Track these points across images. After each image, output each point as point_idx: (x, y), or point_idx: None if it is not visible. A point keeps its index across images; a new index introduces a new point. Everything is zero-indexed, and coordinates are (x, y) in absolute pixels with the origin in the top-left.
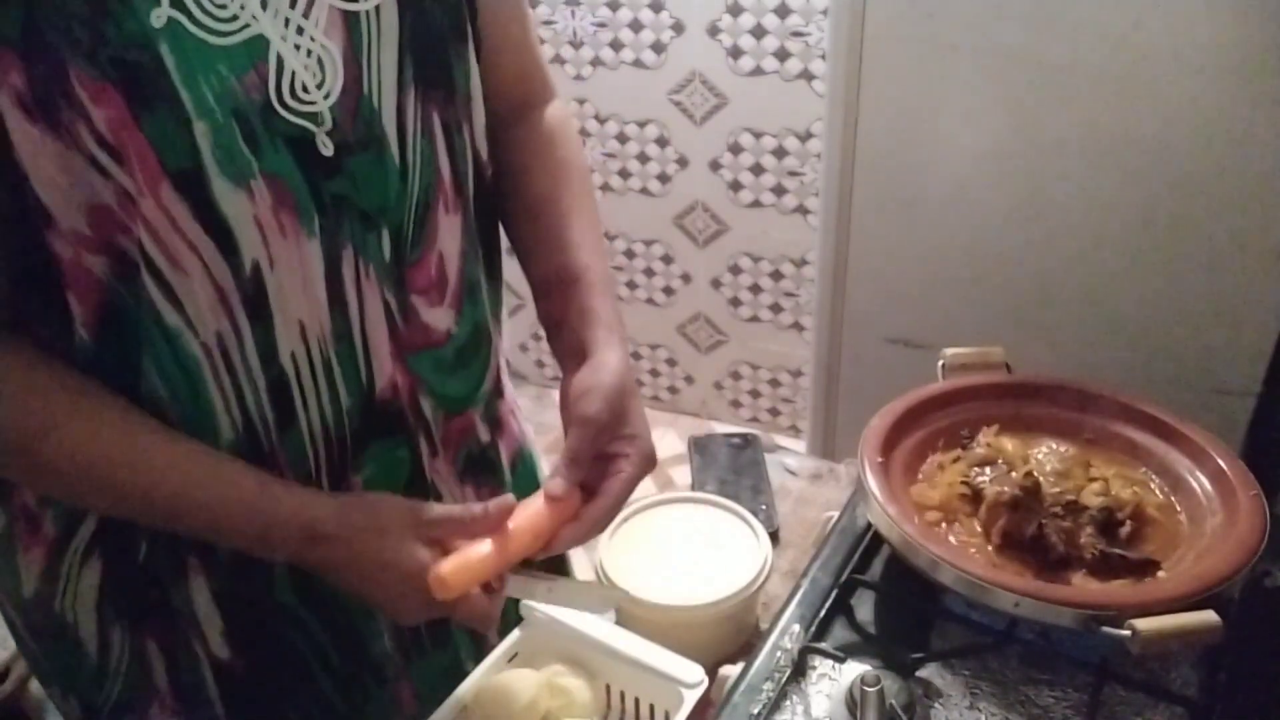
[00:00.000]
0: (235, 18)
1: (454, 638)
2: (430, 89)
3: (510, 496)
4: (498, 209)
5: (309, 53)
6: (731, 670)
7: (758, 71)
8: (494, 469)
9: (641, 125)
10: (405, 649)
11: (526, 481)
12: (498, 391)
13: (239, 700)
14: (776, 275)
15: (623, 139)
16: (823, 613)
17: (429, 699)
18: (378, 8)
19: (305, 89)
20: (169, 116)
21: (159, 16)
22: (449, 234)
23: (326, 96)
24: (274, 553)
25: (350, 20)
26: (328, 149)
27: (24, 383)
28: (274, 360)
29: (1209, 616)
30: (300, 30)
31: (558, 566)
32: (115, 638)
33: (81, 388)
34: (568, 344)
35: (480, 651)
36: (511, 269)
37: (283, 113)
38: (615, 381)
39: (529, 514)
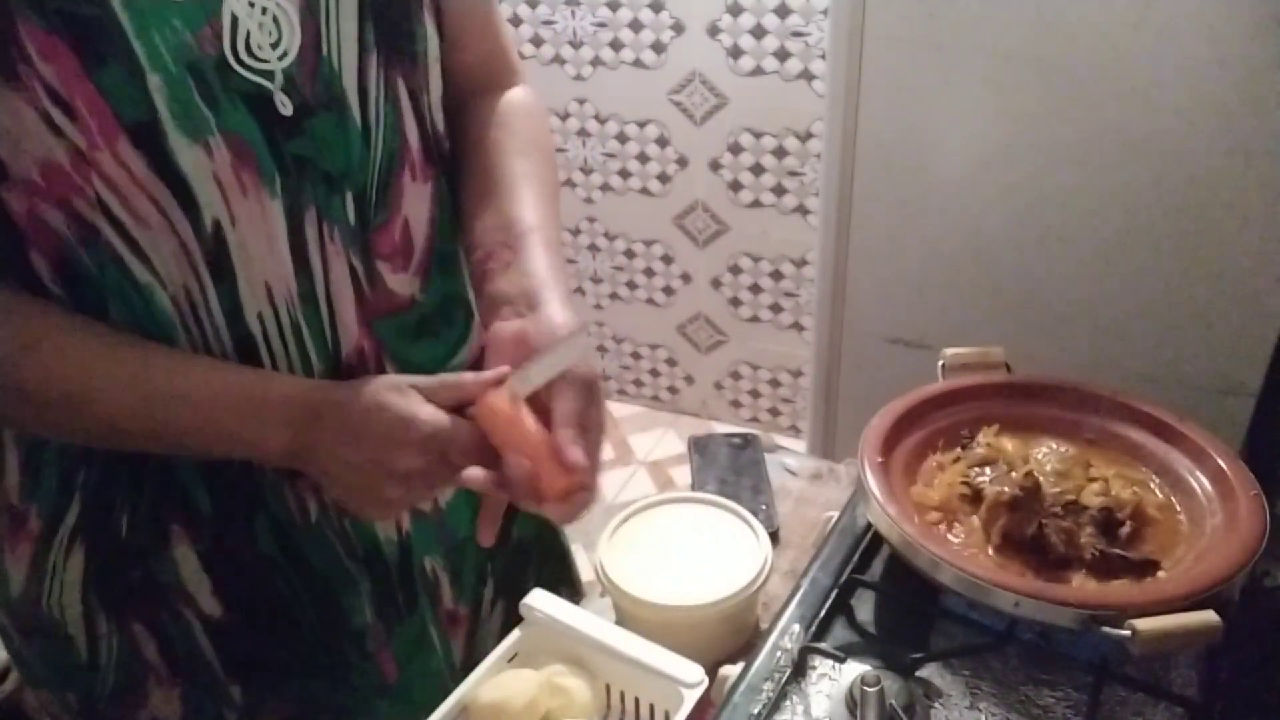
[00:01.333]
0: None
1: (419, 603)
2: (393, 54)
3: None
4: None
5: (264, 10)
6: (731, 670)
7: (758, 71)
8: None
9: (641, 125)
10: (387, 620)
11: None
12: (479, 366)
13: (235, 656)
14: (776, 275)
15: (623, 139)
16: (823, 613)
17: (407, 666)
18: None
19: (260, 47)
20: (122, 69)
21: None
22: (416, 200)
23: (283, 56)
24: (266, 437)
25: None
26: (286, 108)
27: (3, 306)
28: (240, 320)
29: (1209, 616)
30: None
31: (554, 551)
32: (102, 626)
33: (62, 312)
34: (511, 289)
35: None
36: None
37: (238, 69)
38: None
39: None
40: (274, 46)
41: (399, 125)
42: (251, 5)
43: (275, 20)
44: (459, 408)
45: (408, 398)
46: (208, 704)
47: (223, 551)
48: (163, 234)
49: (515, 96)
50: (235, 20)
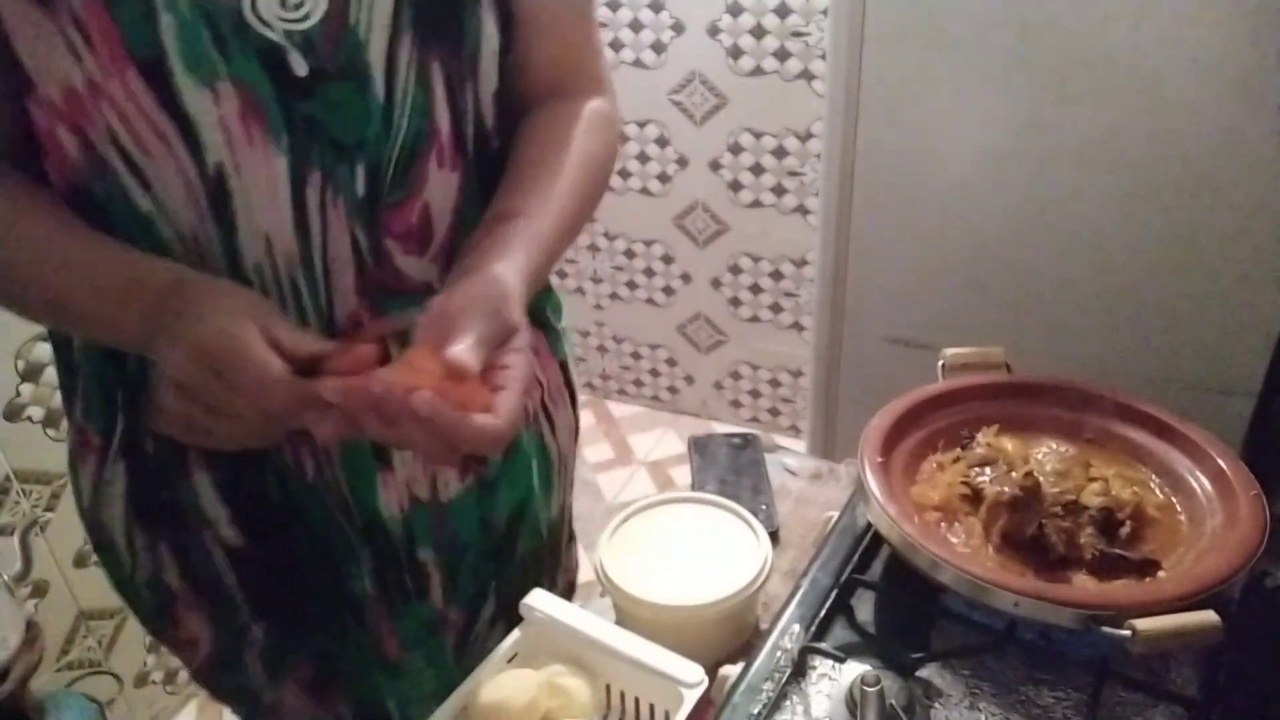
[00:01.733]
0: None
1: (429, 588)
2: (431, 37)
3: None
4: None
5: None
6: (731, 670)
7: (758, 71)
8: None
9: (641, 125)
10: (389, 595)
11: (517, 469)
12: None
13: (257, 589)
14: (776, 275)
15: (623, 139)
16: (823, 613)
17: (414, 649)
18: None
19: (283, 5)
20: (137, 6)
21: None
22: (441, 187)
23: (305, 18)
24: (122, 314)
25: None
26: (301, 69)
27: None
28: (240, 268)
29: (1209, 616)
30: None
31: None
32: (139, 540)
33: (28, 186)
34: (465, 264)
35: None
36: None
37: (255, 24)
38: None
39: (411, 374)
40: (297, 7)
41: (429, 109)
42: None
43: None
44: (311, 370)
45: (248, 334)
46: (233, 635)
47: (240, 485)
48: (167, 168)
49: (588, 107)
50: None
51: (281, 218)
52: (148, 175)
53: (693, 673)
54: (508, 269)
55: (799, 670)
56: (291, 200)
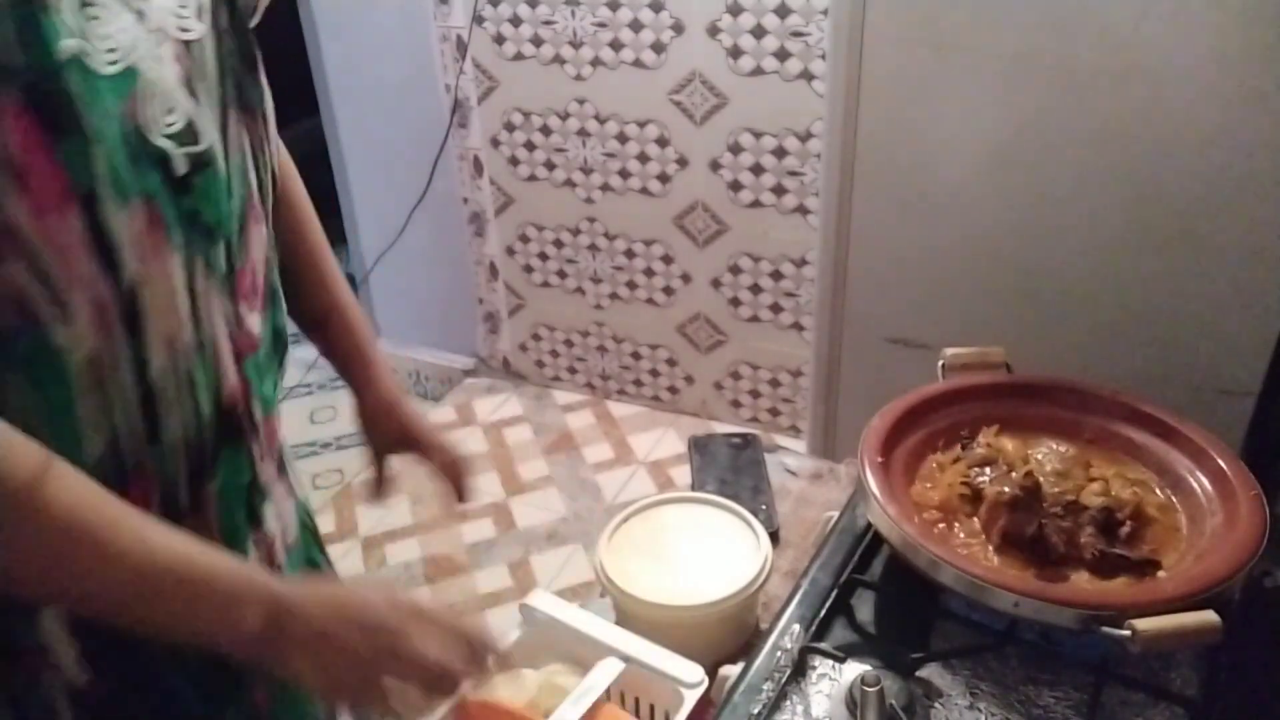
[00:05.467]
0: (114, 50)
1: None
2: (242, 110)
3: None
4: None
5: (159, 77)
6: (731, 670)
7: (758, 71)
8: (288, 467)
9: (641, 125)
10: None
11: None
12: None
13: None
14: (776, 275)
15: (623, 139)
16: (823, 613)
17: (282, 699)
18: (200, 38)
19: (167, 113)
20: (77, 141)
21: (67, 49)
22: (259, 243)
23: (174, 123)
24: (243, 618)
25: (188, 49)
26: (183, 168)
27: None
28: (145, 376)
29: (1209, 616)
30: (158, 60)
31: None
32: None
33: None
34: (354, 377)
35: None
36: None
37: (150, 137)
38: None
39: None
40: (171, 111)
41: (246, 175)
42: (151, 76)
43: (168, 89)
44: None
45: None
46: None
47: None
48: (85, 294)
49: (291, 168)
50: (147, 91)
51: (181, 315)
52: (70, 306)
53: (693, 673)
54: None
55: (799, 670)
56: (188, 295)
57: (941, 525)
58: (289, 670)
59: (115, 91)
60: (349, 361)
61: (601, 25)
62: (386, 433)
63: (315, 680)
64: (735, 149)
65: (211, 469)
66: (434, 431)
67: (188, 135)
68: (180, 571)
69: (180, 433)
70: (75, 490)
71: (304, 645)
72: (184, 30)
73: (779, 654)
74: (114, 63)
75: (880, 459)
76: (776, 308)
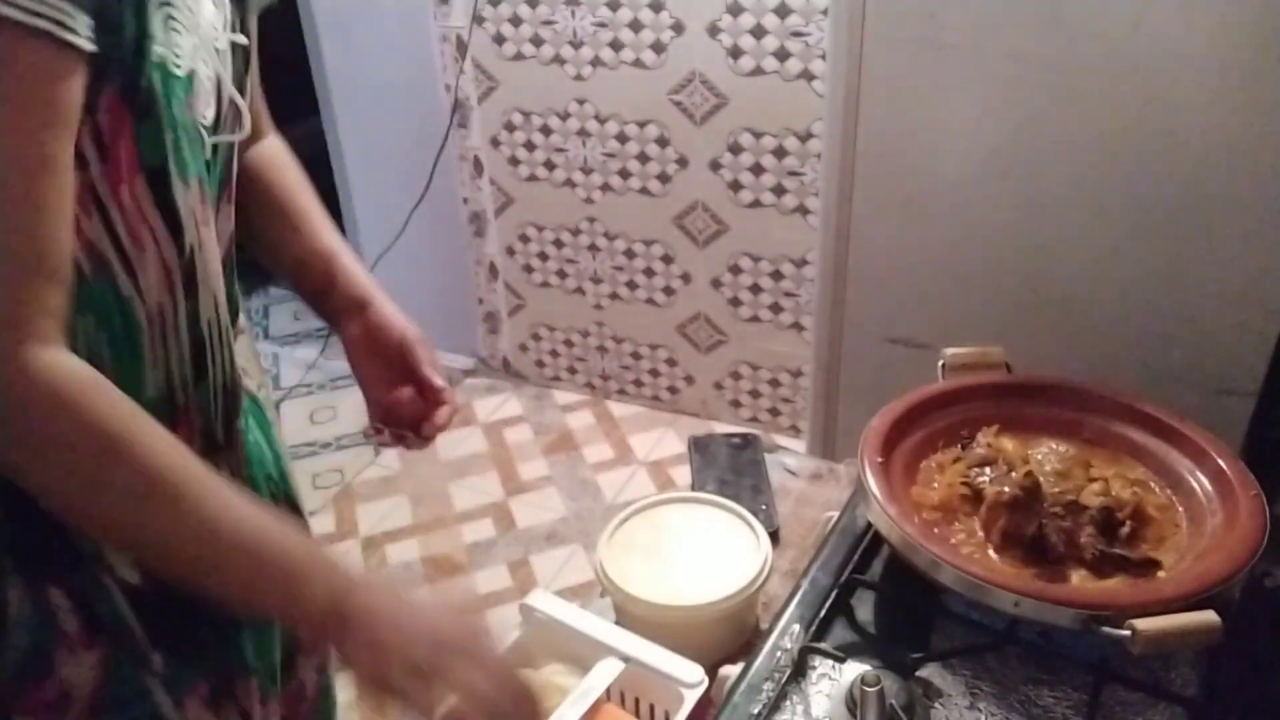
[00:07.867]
0: (181, 56)
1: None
2: (240, 95)
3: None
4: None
5: (205, 78)
6: (731, 670)
7: (758, 71)
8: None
9: (641, 125)
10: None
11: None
12: None
13: (157, 623)
14: (776, 275)
15: (623, 139)
16: (823, 613)
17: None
18: (227, 47)
19: (205, 107)
20: (152, 127)
21: (158, 55)
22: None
23: (209, 116)
24: (309, 596)
25: (218, 54)
26: (208, 154)
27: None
28: (196, 327)
29: (1209, 616)
30: (205, 64)
31: None
32: (14, 593)
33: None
34: (341, 302)
35: None
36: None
37: (200, 125)
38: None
39: None
40: (208, 106)
41: (232, 157)
42: (201, 77)
43: (209, 88)
44: None
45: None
46: (129, 669)
47: None
48: (153, 259)
49: (276, 144)
50: (201, 89)
51: (220, 273)
52: (134, 265)
53: (693, 673)
54: (380, 296)
55: (799, 670)
56: (223, 257)
57: (941, 525)
58: (344, 654)
59: (183, 89)
60: (331, 291)
61: (601, 25)
62: (387, 353)
63: (366, 670)
64: (735, 149)
65: (239, 408)
66: (432, 366)
67: (219, 126)
68: (255, 538)
69: (219, 377)
70: (165, 443)
71: (364, 633)
72: (222, 42)
73: (779, 654)
74: (180, 66)
75: (880, 459)
76: (776, 308)
